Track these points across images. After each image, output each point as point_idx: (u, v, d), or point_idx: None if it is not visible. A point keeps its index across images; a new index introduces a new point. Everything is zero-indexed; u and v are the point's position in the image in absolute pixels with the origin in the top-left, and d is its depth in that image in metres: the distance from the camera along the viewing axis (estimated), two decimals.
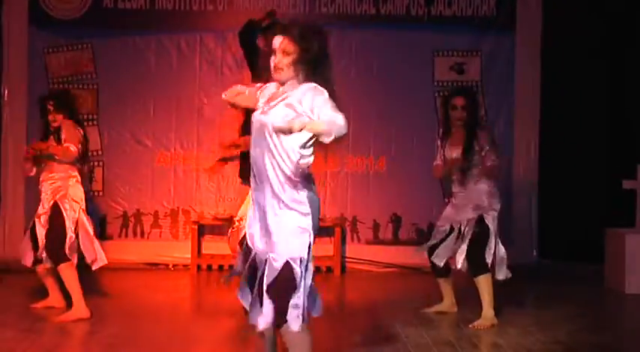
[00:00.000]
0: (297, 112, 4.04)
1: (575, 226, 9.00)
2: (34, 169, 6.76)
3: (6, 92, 9.31)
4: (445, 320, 6.61)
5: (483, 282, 6.46)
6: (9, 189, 9.15)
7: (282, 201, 4.10)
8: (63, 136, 6.65)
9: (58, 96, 7.03)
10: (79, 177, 6.78)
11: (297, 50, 4.18)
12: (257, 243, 4.19)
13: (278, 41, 4.23)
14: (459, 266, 6.57)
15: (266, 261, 4.06)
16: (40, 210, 6.67)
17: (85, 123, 8.92)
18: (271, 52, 4.27)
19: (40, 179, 6.74)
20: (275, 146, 4.10)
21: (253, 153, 4.22)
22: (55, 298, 6.77)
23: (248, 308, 4.22)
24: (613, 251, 8.33)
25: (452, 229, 6.65)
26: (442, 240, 6.66)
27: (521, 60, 9.41)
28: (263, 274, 4.05)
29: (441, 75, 9.34)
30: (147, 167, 9.36)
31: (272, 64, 4.25)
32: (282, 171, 4.07)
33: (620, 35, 9.13)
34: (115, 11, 9.33)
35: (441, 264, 6.64)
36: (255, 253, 4.21)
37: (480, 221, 6.53)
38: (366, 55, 9.38)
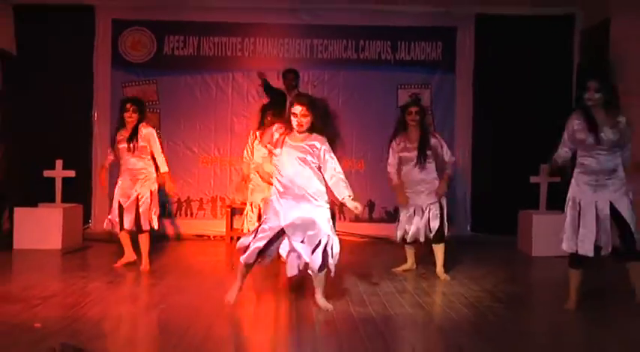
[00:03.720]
0: (314, 149, 4.98)
1: (498, 208, 8.99)
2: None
3: (95, 114, 9.29)
4: (407, 276, 6.55)
5: (443, 249, 6.42)
6: (97, 183, 9.10)
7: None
8: (151, 144, 6.63)
9: (137, 101, 6.89)
10: (155, 174, 6.75)
11: (310, 114, 4.98)
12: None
13: (299, 109, 4.99)
14: (421, 238, 6.44)
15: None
16: (131, 195, 6.60)
17: None
18: (291, 114, 5.01)
19: (132, 174, 6.63)
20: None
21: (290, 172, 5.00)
22: (129, 254, 6.74)
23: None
24: (524, 226, 8.31)
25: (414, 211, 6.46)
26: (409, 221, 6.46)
27: (459, 91, 9.39)
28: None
29: (402, 102, 9.24)
30: (194, 167, 9.32)
31: (295, 122, 5.00)
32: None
33: (529, 72, 9.14)
34: (172, 57, 9.32)
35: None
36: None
37: (439, 204, 6.41)
38: (350, 87, 9.34)
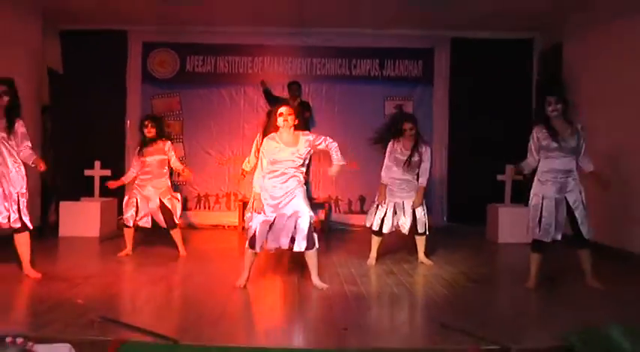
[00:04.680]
0: (305, 147, 5.03)
1: (470, 202, 8.99)
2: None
3: (128, 122, 9.28)
4: (389, 260, 6.51)
5: (424, 239, 6.30)
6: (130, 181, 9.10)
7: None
8: (172, 155, 6.61)
9: (154, 118, 6.85)
10: (170, 181, 6.76)
11: (295, 114, 5.01)
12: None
13: (286, 109, 4.99)
14: (405, 231, 6.16)
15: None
16: (153, 200, 6.54)
17: (175, 142, 8.99)
18: (278, 114, 4.98)
19: (154, 182, 6.58)
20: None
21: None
22: (129, 248, 6.60)
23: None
24: (492, 217, 8.32)
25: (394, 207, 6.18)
26: (384, 215, 6.16)
27: (436, 102, 9.38)
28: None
29: (388, 111, 9.25)
30: (211, 167, 9.31)
31: (281, 120, 4.97)
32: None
33: (496, 86, 9.15)
34: (193, 73, 9.32)
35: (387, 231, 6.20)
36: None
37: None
38: (344, 98, 9.34)
